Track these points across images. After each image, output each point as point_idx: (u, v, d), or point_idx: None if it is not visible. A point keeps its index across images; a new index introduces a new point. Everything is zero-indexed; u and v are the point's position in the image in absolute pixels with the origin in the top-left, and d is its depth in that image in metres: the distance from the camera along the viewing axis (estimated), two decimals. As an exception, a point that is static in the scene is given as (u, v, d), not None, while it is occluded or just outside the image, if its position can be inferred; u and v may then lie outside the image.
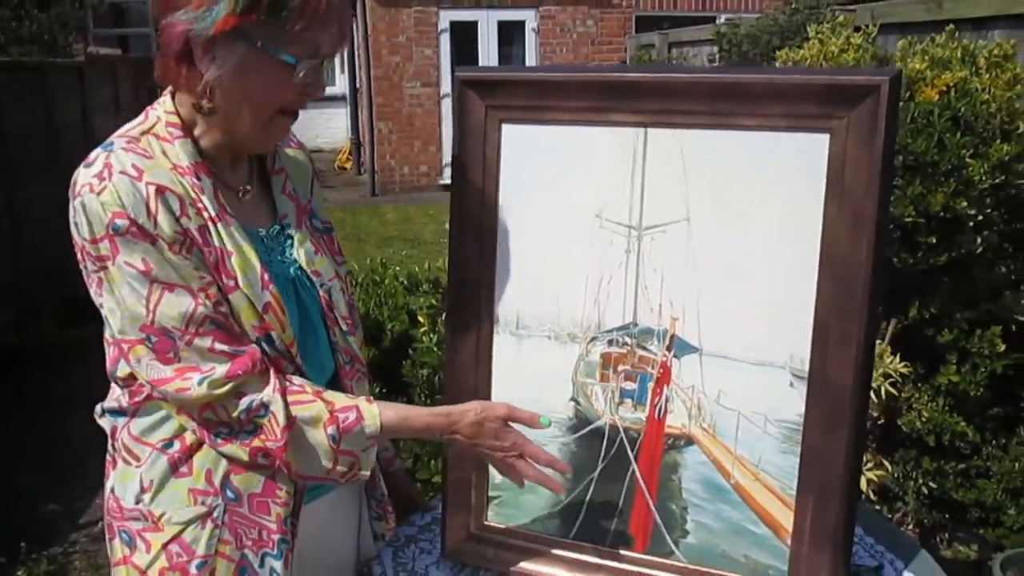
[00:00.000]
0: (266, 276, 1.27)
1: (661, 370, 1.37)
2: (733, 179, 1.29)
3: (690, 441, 1.37)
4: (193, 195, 1.23)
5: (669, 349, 1.36)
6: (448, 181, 1.38)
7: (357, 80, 12.40)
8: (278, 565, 1.33)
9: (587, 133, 1.37)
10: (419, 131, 11.95)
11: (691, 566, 1.38)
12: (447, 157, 12.05)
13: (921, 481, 2.78)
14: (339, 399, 1.30)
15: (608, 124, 1.35)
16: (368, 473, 1.31)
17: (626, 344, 1.39)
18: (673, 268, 1.34)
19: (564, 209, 1.39)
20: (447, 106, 12.00)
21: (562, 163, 1.39)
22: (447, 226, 1.47)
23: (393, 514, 1.55)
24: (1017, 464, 2.83)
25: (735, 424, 1.33)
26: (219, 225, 1.24)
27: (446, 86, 11.90)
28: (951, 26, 2.93)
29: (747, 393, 1.32)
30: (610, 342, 1.40)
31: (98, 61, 7.43)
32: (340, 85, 13.83)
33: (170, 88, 1.28)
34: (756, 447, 1.32)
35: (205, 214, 1.24)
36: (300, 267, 1.37)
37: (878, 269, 1.21)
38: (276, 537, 1.33)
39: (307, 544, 1.40)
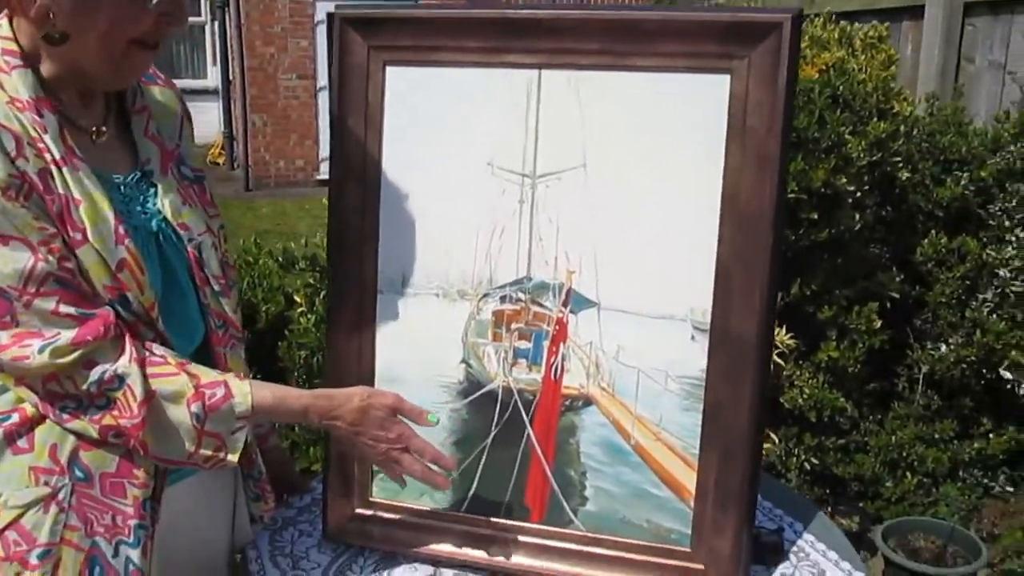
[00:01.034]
0: (121, 229, 1.13)
1: (557, 327, 1.29)
2: (631, 123, 1.23)
3: (588, 402, 1.30)
4: (33, 134, 1.08)
5: (565, 304, 1.28)
6: (326, 176, 1.28)
7: (230, 72, 11.96)
8: (135, 554, 1.18)
9: (477, 75, 1.28)
10: (295, 124, 11.63)
11: (590, 534, 1.31)
12: (324, 151, 11.76)
13: (803, 457, 2.82)
14: (206, 373, 1.17)
15: (500, 66, 1.26)
16: (235, 459, 1.18)
17: (520, 300, 1.31)
18: (569, 218, 1.26)
19: (453, 157, 1.30)
20: (324, 99, 11.70)
21: (451, 108, 1.29)
22: (325, 219, 1.36)
23: (272, 494, 1.42)
24: (893, 438, 2.91)
25: (635, 382, 1.27)
26: (65, 169, 1.09)
27: (322, 79, 11.60)
28: (828, 9, 3.00)
29: (647, 348, 1.26)
30: (503, 299, 1.31)
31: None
32: (212, 77, 13.31)
33: (7, 11, 1.13)
34: (657, 405, 1.26)
35: (47, 156, 1.08)
36: (164, 219, 1.23)
37: (781, 211, 1.17)
38: (133, 523, 1.17)
39: (171, 530, 1.25)
